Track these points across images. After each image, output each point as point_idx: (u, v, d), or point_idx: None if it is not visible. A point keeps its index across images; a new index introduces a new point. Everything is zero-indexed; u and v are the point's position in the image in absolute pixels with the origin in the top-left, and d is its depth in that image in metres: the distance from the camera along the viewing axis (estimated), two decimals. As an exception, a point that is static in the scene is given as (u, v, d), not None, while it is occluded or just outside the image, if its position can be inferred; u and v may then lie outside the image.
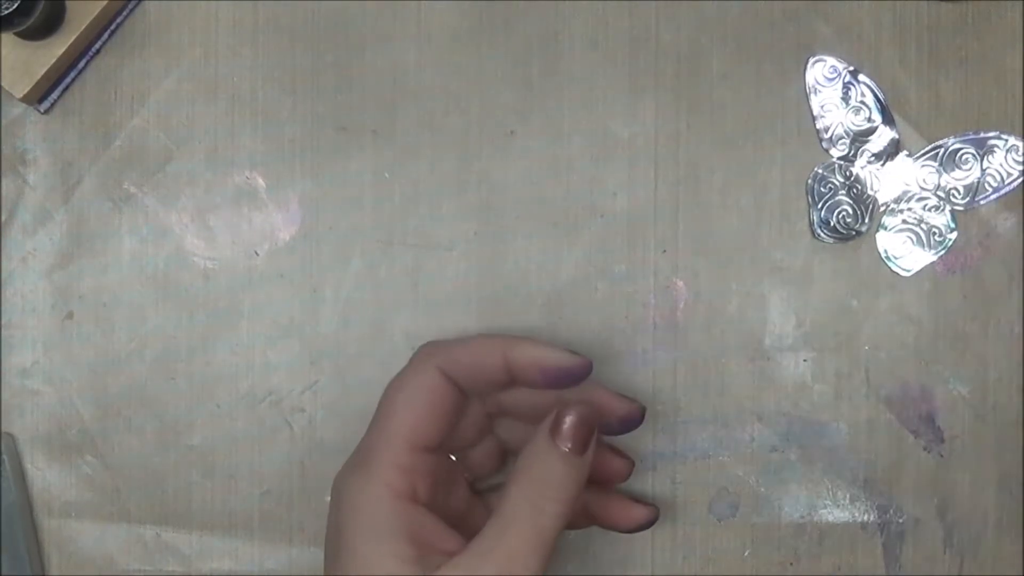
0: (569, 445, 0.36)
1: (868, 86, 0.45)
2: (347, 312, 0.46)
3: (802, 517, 0.46)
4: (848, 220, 0.46)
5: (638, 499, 0.43)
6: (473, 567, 0.35)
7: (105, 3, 0.45)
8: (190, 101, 0.46)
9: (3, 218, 0.46)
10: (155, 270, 0.46)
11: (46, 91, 0.46)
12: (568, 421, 0.37)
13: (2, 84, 0.44)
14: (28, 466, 0.46)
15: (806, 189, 0.46)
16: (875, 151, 0.46)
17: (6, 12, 0.41)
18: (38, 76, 0.44)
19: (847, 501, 0.46)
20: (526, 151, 0.46)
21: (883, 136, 0.46)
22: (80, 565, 0.46)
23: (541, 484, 0.36)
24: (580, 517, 0.42)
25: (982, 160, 0.45)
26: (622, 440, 0.44)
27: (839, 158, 0.46)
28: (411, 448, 0.38)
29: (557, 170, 0.46)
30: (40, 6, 0.42)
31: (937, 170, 0.46)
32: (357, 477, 0.38)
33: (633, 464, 0.43)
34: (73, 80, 0.46)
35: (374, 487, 0.37)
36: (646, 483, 0.46)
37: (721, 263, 0.46)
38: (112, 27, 0.46)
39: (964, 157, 0.45)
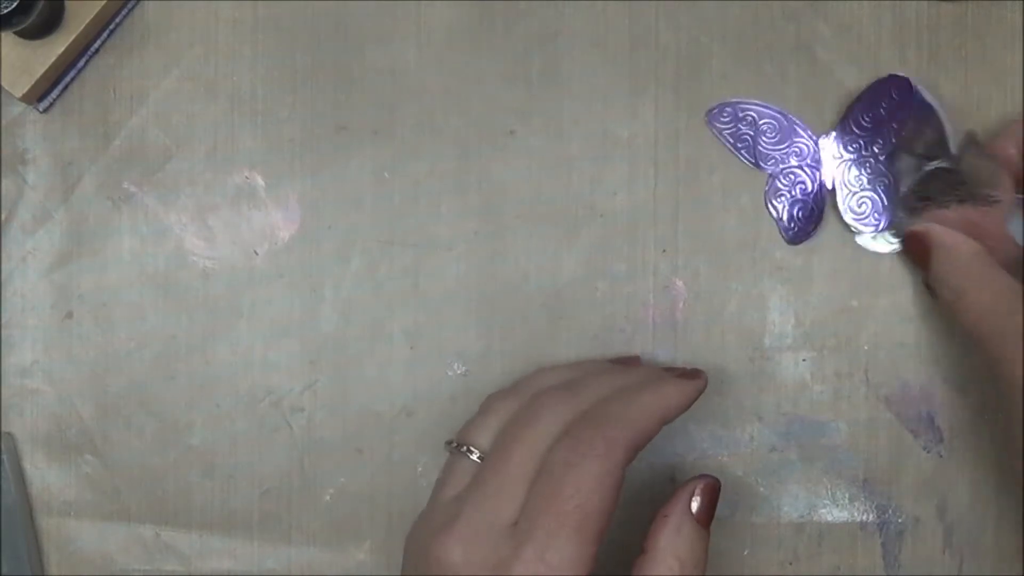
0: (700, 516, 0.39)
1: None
2: (347, 312, 0.46)
3: (801, 517, 0.46)
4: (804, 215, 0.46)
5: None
6: None
7: (104, 2, 0.44)
8: (190, 100, 0.46)
9: (3, 218, 0.46)
10: (155, 270, 0.46)
11: (45, 90, 0.46)
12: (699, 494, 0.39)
13: (1, 83, 0.44)
14: (28, 466, 0.46)
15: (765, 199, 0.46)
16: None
17: (5, 11, 0.41)
18: (37, 75, 0.44)
19: (846, 501, 0.46)
20: (526, 151, 0.46)
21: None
22: (80, 565, 0.46)
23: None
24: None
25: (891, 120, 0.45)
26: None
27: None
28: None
29: (557, 170, 0.46)
30: (39, 5, 0.42)
31: (852, 135, 0.45)
32: None
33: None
34: (72, 79, 0.46)
35: None
36: (645, 483, 0.46)
37: (721, 263, 0.46)
38: (111, 26, 0.46)
39: (865, 119, 0.45)
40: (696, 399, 0.40)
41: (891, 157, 0.45)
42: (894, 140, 0.45)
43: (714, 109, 0.46)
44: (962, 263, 0.42)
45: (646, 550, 0.39)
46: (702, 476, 0.40)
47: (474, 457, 0.40)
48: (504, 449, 0.38)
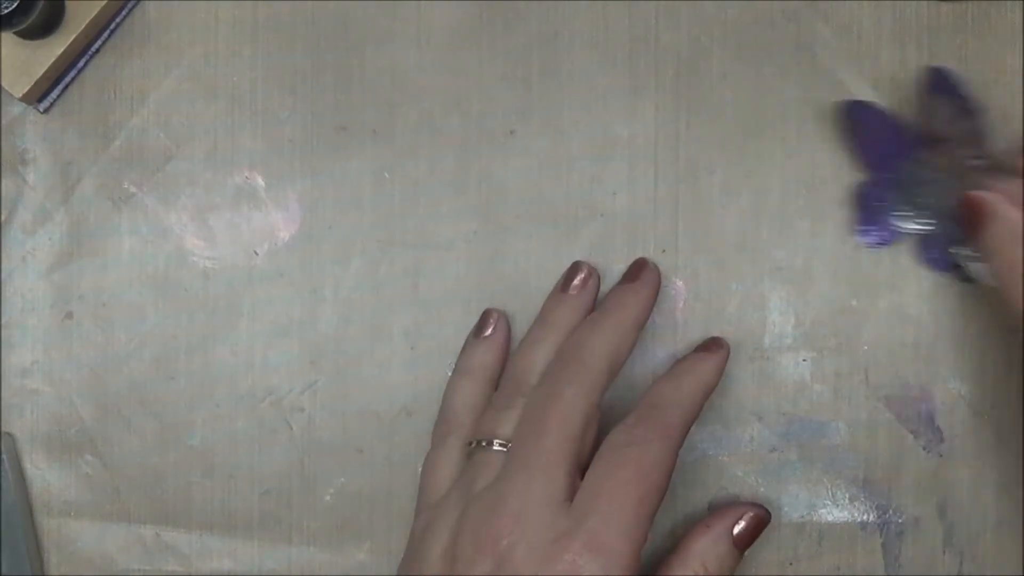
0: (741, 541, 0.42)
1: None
2: (347, 312, 0.46)
3: (802, 517, 0.46)
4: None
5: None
6: None
7: (105, 2, 0.45)
8: (190, 101, 0.46)
9: (3, 218, 0.46)
10: (155, 270, 0.46)
11: (46, 90, 0.46)
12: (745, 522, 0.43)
13: (2, 83, 0.44)
14: (28, 466, 0.46)
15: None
16: None
17: (6, 11, 0.41)
18: (38, 75, 0.44)
19: (846, 501, 0.46)
20: (526, 151, 0.46)
21: None
22: (80, 565, 0.46)
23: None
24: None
25: None
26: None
27: None
28: None
29: (557, 170, 0.46)
30: (40, 5, 0.42)
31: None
32: None
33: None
34: (73, 79, 0.46)
35: None
36: (646, 483, 0.46)
37: (721, 263, 0.46)
38: (111, 26, 0.46)
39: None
40: (725, 366, 0.43)
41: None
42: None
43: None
44: (1017, 234, 0.40)
45: (677, 551, 0.41)
46: (756, 505, 0.43)
47: (497, 447, 0.41)
48: (536, 433, 0.40)
